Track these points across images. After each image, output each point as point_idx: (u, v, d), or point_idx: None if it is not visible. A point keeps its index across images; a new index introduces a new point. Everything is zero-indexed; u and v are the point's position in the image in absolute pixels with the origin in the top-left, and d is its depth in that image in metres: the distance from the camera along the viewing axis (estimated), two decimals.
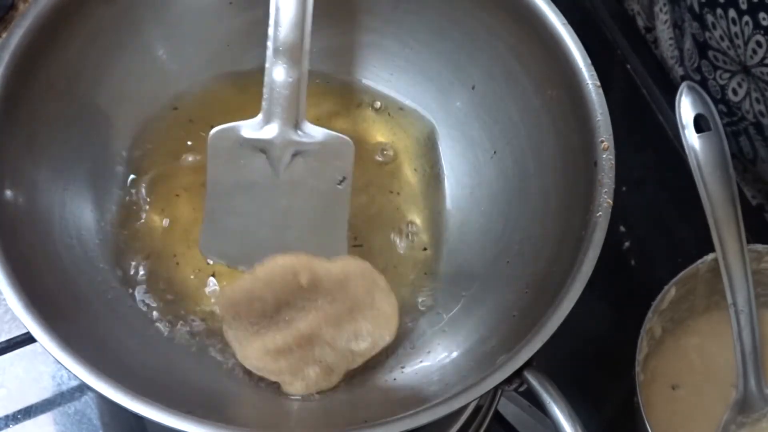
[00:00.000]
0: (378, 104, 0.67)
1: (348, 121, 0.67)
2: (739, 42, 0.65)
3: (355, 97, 0.67)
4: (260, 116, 0.54)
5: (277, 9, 0.52)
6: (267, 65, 0.54)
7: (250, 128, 0.55)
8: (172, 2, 0.64)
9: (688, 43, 0.71)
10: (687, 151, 0.66)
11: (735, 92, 0.68)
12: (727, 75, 0.68)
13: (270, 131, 0.54)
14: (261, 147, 0.54)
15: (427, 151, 0.66)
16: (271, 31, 0.53)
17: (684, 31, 0.71)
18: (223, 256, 0.58)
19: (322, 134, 0.55)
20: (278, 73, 0.53)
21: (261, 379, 0.58)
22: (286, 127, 0.54)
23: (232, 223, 0.56)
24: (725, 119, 0.71)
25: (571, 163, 0.59)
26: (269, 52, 0.54)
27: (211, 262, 0.60)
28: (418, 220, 0.65)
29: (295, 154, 0.54)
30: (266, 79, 0.54)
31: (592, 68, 0.58)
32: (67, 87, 0.60)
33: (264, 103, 0.54)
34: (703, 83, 0.70)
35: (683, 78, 0.74)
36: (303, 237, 0.57)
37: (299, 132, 0.54)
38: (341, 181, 0.55)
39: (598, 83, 0.58)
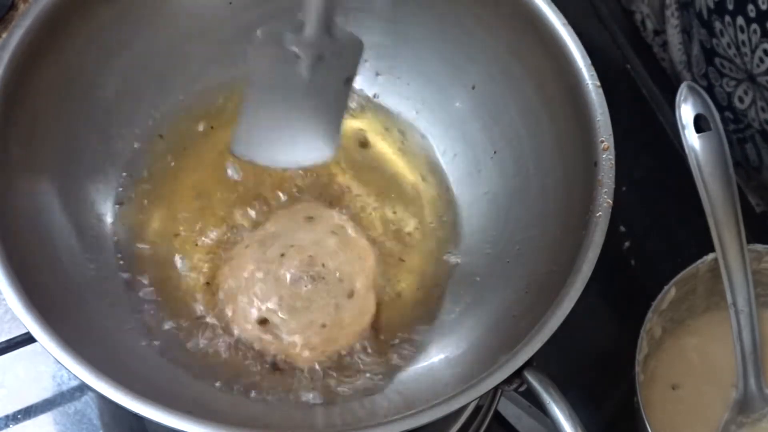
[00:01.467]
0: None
1: (347, 121, 0.67)
2: (746, 50, 0.65)
3: (353, 98, 0.67)
4: (300, 21, 0.57)
5: None
6: None
7: (292, 32, 0.57)
8: (172, 2, 0.64)
9: (695, 49, 0.70)
10: (687, 151, 0.66)
11: (741, 100, 0.68)
12: (733, 83, 0.68)
13: (307, 35, 0.57)
14: (297, 51, 0.57)
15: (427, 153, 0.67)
16: None
17: (692, 36, 0.71)
18: (254, 156, 0.60)
19: (344, 35, 0.58)
20: None
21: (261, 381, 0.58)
22: (321, 31, 0.57)
23: (264, 124, 0.58)
24: (732, 126, 0.71)
25: (571, 163, 0.59)
26: None
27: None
28: (418, 221, 0.65)
29: (321, 56, 0.57)
30: None
31: (592, 68, 0.58)
32: (67, 87, 0.60)
33: (305, 8, 0.56)
34: (710, 90, 0.70)
35: None
36: (311, 131, 0.59)
37: (329, 34, 0.57)
38: (347, 80, 0.58)
39: (598, 83, 0.58)
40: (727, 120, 0.71)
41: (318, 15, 0.57)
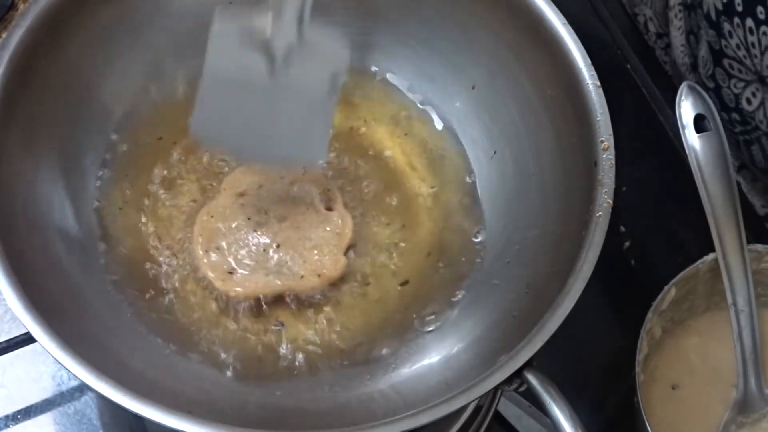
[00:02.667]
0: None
1: (348, 120, 0.67)
2: (756, 51, 0.65)
3: (354, 97, 0.67)
4: (268, 10, 0.52)
5: None
6: None
7: (255, 23, 0.53)
8: (172, 2, 0.64)
9: (703, 50, 0.70)
10: (687, 151, 0.66)
11: (749, 101, 0.68)
12: (741, 84, 0.68)
13: (274, 28, 0.52)
14: (262, 44, 0.52)
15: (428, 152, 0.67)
16: None
17: (700, 38, 0.71)
18: (212, 140, 0.57)
19: (322, 35, 0.53)
20: None
21: (260, 381, 0.58)
22: (290, 24, 0.52)
23: (223, 112, 0.54)
24: (738, 128, 0.71)
25: (571, 163, 0.59)
26: None
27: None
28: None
29: (292, 53, 0.52)
30: None
31: (592, 68, 0.58)
32: (66, 87, 0.60)
33: None
34: (717, 91, 0.70)
35: None
36: (289, 137, 0.55)
37: (302, 29, 0.52)
38: (331, 88, 0.53)
39: (598, 83, 0.58)
40: (734, 122, 0.71)
41: (290, 5, 0.51)
